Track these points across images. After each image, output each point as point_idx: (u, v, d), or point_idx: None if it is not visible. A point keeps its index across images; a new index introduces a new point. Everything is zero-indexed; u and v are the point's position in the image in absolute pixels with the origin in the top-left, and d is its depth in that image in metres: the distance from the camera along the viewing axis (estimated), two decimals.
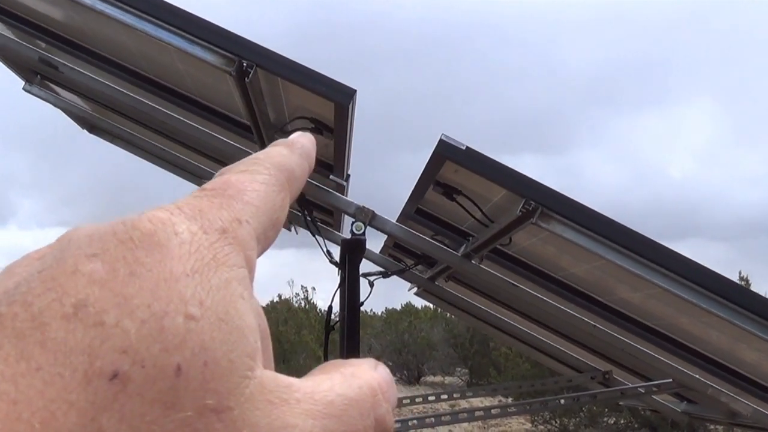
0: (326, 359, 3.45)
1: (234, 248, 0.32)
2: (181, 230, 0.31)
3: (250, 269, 0.32)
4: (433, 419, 3.04)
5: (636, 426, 11.82)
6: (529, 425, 13.20)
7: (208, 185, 0.34)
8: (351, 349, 3.14)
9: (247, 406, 0.29)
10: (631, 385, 4.27)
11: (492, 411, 2.96)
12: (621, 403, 4.48)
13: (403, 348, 25.79)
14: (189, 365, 0.28)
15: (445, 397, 3.95)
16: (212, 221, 0.32)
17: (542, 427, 12.53)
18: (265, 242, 0.35)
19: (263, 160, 0.37)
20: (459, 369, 25.82)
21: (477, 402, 18.13)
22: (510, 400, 15.21)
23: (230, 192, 0.34)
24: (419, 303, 28.69)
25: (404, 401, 4.19)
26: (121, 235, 0.30)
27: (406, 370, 25.75)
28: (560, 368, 4.97)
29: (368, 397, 0.34)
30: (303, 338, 19.27)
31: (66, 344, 0.27)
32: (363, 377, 0.34)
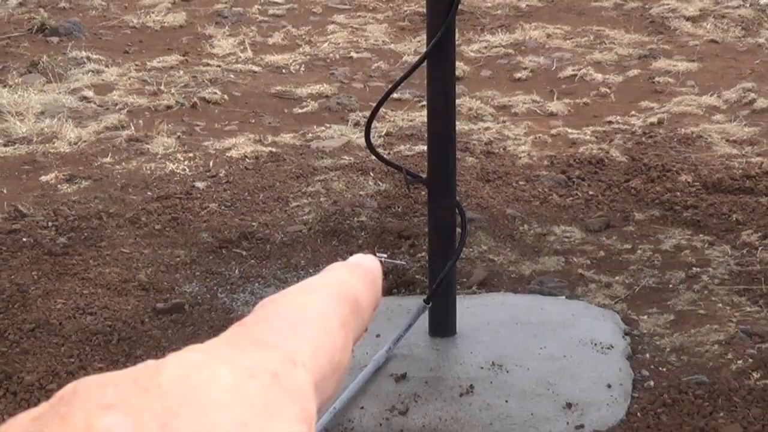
0: None
1: (288, 397, 0.25)
2: (221, 373, 0.24)
3: (308, 425, 0.25)
4: None
5: None
6: None
7: (249, 319, 0.27)
8: None
9: None
10: None
11: None
12: None
13: None
14: None
15: None
16: (260, 363, 0.25)
17: None
18: (324, 391, 0.27)
19: (319, 287, 0.29)
20: None
21: None
22: None
23: (279, 326, 0.27)
24: None
25: None
26: (144, 382, 0.23)
27: None
28: None
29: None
30: None
31: None
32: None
